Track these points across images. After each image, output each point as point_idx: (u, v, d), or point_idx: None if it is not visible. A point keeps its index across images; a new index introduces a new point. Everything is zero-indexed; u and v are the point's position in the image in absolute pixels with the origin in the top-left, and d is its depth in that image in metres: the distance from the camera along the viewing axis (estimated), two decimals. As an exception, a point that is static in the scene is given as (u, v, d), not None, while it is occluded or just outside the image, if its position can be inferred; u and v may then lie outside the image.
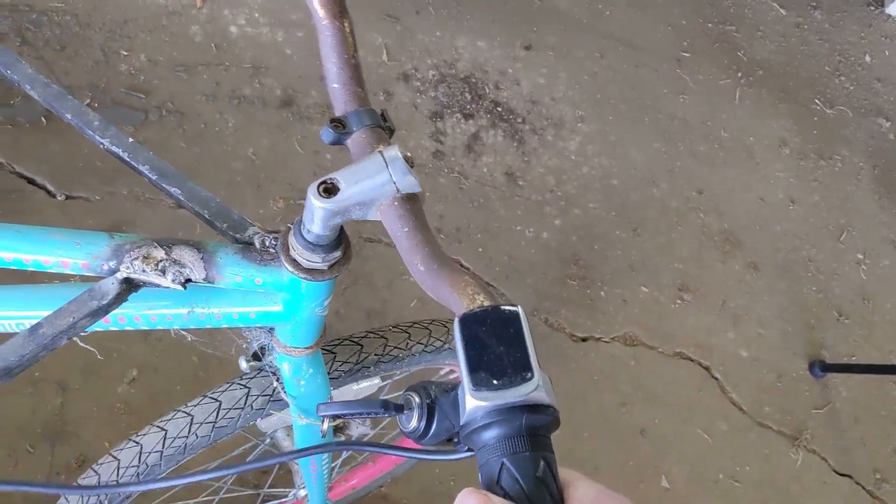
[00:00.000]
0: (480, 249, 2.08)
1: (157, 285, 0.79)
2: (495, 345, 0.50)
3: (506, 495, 0.46)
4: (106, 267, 0.79)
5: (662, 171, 2.35)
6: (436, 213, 2.09)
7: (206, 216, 0.84)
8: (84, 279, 0.79)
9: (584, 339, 2.03)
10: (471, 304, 0.54)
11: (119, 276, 0.78)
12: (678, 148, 2.41)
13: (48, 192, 1.88)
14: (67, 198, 1.88)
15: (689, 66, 2.59)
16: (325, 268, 0.73)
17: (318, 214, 0.64)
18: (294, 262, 0.72)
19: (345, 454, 1.51)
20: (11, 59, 0.92)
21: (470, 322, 0.51)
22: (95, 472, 1.01)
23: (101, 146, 0.89)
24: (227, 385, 1.03)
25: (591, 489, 0.47)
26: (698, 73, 2.58)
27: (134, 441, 1.01)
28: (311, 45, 2.26)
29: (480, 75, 2.35)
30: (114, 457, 1.00)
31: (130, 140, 0.89)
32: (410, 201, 0.63)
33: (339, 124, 0.72)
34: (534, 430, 0.48)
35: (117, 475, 1.00)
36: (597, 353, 2.02)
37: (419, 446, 0.58)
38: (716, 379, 2.07)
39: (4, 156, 1.89)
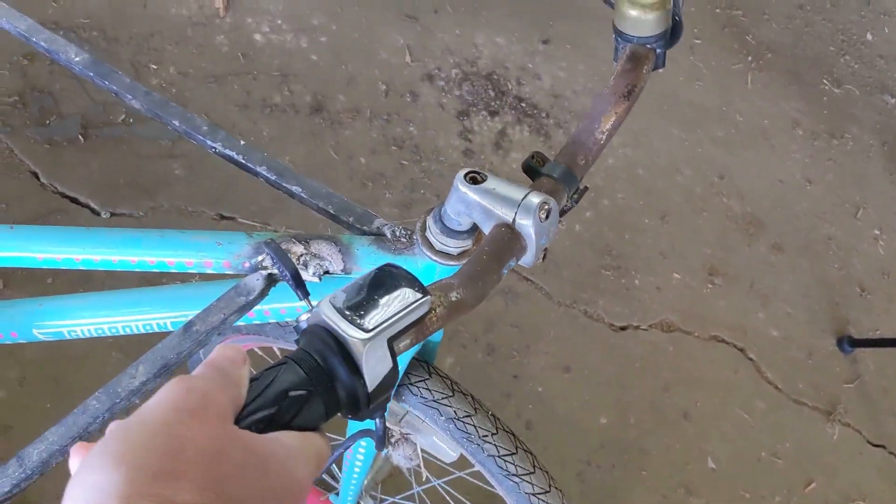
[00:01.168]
0: (517, 245, 2.11)
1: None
2: (379, 297, 0.51)
3: (253, 378, 0.46)
4: (247, 264, 0.82)
5: (684, 157, 2.40)
6: (471, 211, 2.12)
7: (331, 211, 0.86)
8: (208, 277, 0.82)
9: (622, 329, 2.09)
10: (432, 289, 0.56)
11: (264, 272, 0.82)
12: (697, 134, 2.46)
13: (92, 210, 1.89)
14: (112, 215, 1.89)
15: (702, 52, 2.64)
16: (454, 253, 0.76)
17: (452, 194, 0.68)
18: (427, 242, 0.76)
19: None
20: (106, 70, 0.93)
21: (388, 269, 0.53)
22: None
23: (213, 151, 0.91)
24: None
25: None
26: (710, 59, 2.63)
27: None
28: (335, 49, 2.27)
29: (502, 72, 2.38)
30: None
31: (243, 143, 0.91)
32: (513, 238, 0.65)
33: (540, 161, 0.74)
34: (327, 368, 0.48)
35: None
36: (636, 341, 2.08)
37: None
38: (751, 360, 2.13)
39: (46, 176, 1.90)
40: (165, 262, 0.85)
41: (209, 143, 0.90)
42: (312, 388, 0.47)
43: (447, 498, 1.41)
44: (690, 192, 2.34)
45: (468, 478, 1.19)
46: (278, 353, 1.15)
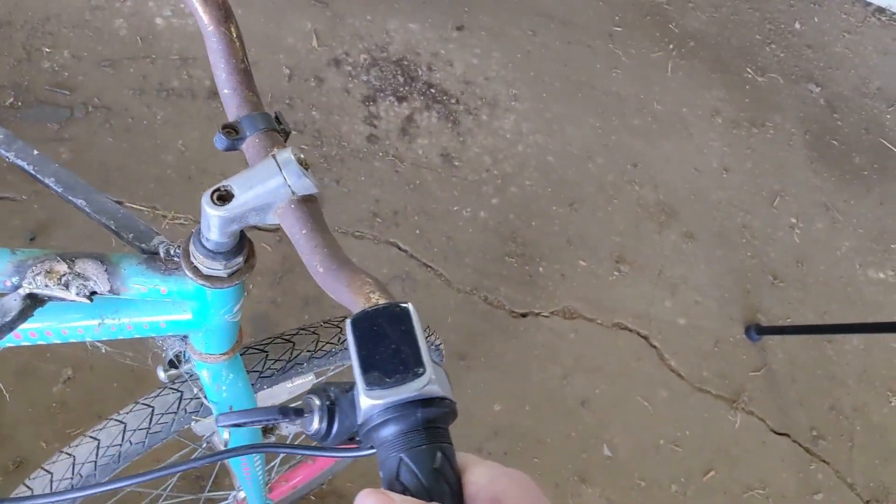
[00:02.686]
0: (418, 231, 2.09)
1: (62, 299, 0.79)
2: (387, 342, 0.51)
3: (404, 490, 0.46)
4: (9, 283, 0.78)
5: (598, 146, 2.37)
6: (372, 197, 2.09)
7: (113, 227, 0.83)
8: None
9: (523, 315, 2.06)
10: (367, 303, 0.55)
11: (22, 291, 0.78)
12: (613, 123, 2.43)
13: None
14: (-7, 199, 1.85)
15: (622, 40, 2.61)
16: (226, 275, 0.73)
17: (213, 223, 0.64)
18: (195, 270, 0.72)
19: (281, 454, 1.51)
20: None
21: (361, 321, 0.52)
22: (28, 486, 1.01)
23: (7, 160, 0.88)
24: (160, 390, 1.03)
25: (486, 470, 0.48)
26: (630, 47, 2.61)
27: (66, 453, 1.00)
28: (242, 33, 2.24)
29: (413, 58, 2.35)
30: (46, 470, 0.99)
31: (36, 153, 0.88)
32: (307, 203, 0.63)
33: (232, 130, 0.71)
34: (429, 423, 0.49)
35: (51, 488, 0.99)
36: (537, 328, 2.05)
37: (326, 446, 0.58)
38: (654, 347, 2.10)
39: (-74, 159, 1.86)
40: None
41: (3, 152, 0.87)
42: (437, 446, 0.49)
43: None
44: (602, 181, 2.32)
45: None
46: None
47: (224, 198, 0.62)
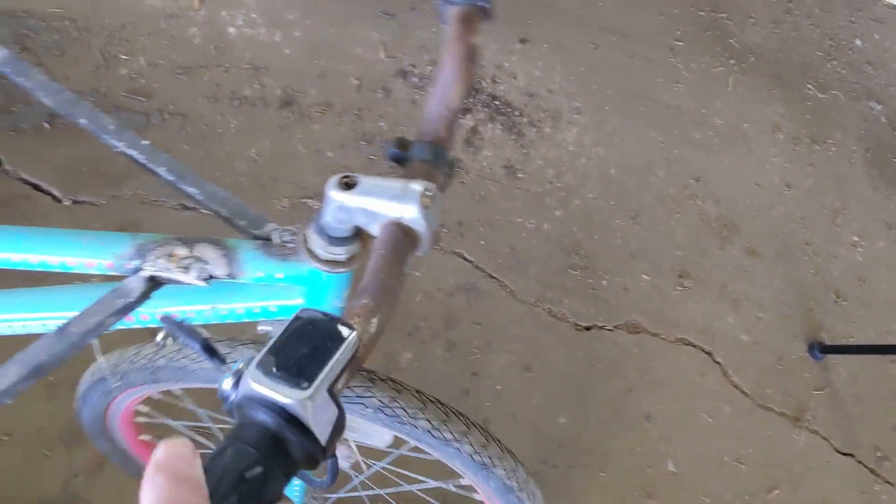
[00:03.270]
0: (483, 242, 2.10)
1: (181, 282, 0.82)
2: (305, 347, 0.50)
3: (207, 471, 0.43)
4: (130, 266, 0.81)
5: (659, 159, 2.38)
6: (438, 207, 2.11)
7: (225, 214, 0.86)
8: (108, 279, 0.81)
9: (587, 328, 2.07)
10: (351, 319, 0.54)
11: (143, 274, 0.81)
12: (674, 136, 2.44)
13: (54, 197, 1.89)
14: (74, 202, 1.90)
15: (683, 54, 2.62)
16: (345, 259, 0.75)
17: (329, 204, 0.66)
18: (312, 254, 0.74)
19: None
20: (24, 67, 0.94)
21: (303, 316, 0.51)
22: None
23: (117, 149, 0.91)
24: None
25: None
26: (691, 61, 2.61)
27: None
28: (309, 44, 2.28)
29: (477, 69, 2.37)
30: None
31: (146, 142, 0.91)
32: (406, 234, 0.64)
33: (404, 146, 0.73)
34: (274, 438, 0.47)
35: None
36: (601, 342, 2.06)
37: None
38: (718, 363, 2.10)
39: (10, 163, 1.91)
40: (47, 261, 0.84)
41: (114, 142, 0.90)
42: (266, 462, 0.45)
43: (392, 477, 1.39)
44: (664, 194, 2.32)
45: (409, 453, 1.17)
46: (179, 394, 1.15)
47: (349, 185, 0.65)
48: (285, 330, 0.50)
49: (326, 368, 0.48)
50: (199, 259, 0.81)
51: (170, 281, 0.82)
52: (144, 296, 0.80)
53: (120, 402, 1.22)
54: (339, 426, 0.49)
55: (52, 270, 0.85)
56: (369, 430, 1.10)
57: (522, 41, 2.47)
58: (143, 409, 1.28)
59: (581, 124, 2.37)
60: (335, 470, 0.70)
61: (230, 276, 0.81)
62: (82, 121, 0.92)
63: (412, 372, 1.90)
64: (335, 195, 0.64)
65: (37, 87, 0.93)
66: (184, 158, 2.00)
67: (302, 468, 0.48)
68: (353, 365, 0.51)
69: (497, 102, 2.33)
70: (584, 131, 2.36)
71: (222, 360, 0.61)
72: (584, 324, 2.07)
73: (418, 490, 1.48)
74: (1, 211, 1.85)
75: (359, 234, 0.74)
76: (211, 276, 0.81)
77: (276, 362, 0.48)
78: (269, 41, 2.25)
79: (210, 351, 0.61)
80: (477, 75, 0.77)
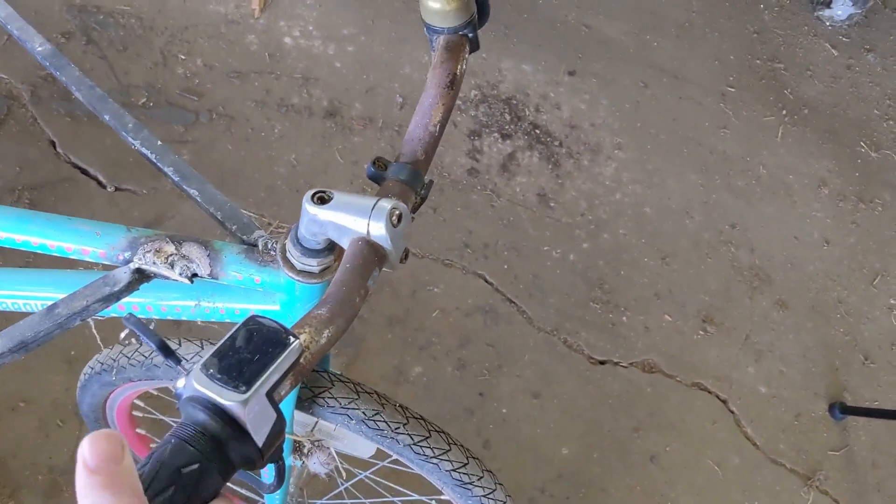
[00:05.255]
0: (506, 266, 2.12)
1: (166, 277, 0.87)
2: (249, 351, 0.52)
3: (145, 465, 0.45)
4: (121, 257, 0.87)
5: (697, 202, 2.37)
6: (465, 228, 2.14)
7: (219, 217, 0.91)
8: (105, 268, 0.87)
9: (602, 362, 2.06)
10: (302, 331, 0.56)
11: (132, 266, 0.86)
12: (715, 181, 2.42)
13: (99, 182, 1.99)
14: (117, 189, 1.99)
15: (734, 101, 2.60)
16: (317, 271, 0.78)
17: (304, 217, 0.70)
18: (289, 265, 0.78)
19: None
20: (62, 62, 1.02)
21: (251, 322, 0.53)
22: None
23: (133, 146, 0.97)
24: None
25: None
26: (742, 108, 2.60)
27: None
28: (359, 59, 2.35)
29: (522, 98, 2.41)
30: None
31: (159, 143, 0.97)
32: (374, 251, 0.66)
33: (383, 166, 0.77)
34: (214, 437, 0.49)
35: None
36: (614, 377, 2.05)
37: None
38: (732, 412, 2.07)
39: (62, 146, 2.01)
40: (47, 245, 0.90)
41: (130, 139, 0.96)
42: (203, 460, 0.48)
43: (374, 487, 1.42)
44: (698, 238, 2.31)
45: (392, 465, 1.20)
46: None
47: (323, 200, 0.68)
48: (231, 335, 0.53)
49: (266, 374, 0.51)
50: (184, 257, 0.86)
51: (156, 275, 0.87)
52: (130, 286, 0.85)
53: (118, 394, 1.27)
54: (276, 430, 0.52)
55: (50, 254, 0.91)
56: (353, 439, 1.14)
57: (571, 73, 2.50)
58: (141, 403, 1.33)
59: (621, 160, 2.38)
60: (280, 473, 0.73)
61: (211, 275, 0.86)
62: (106, 116, 0.98)
63: (420, 386, 1.93)
64: (309, 208, 0.68)
65: (71, 82, 1.00)
66: (226, 157, 2.08)
67: (240, 468, 0.51)
68: (297, 373, 0.54)
69: (538, 131, 2.36)
70: (624, 168, 2.37)
71: (177, 361, 0.65)
72: (600, 357, 2.07)
73: (400, 501, 1.50)
74: (47, 191, 1.95)
75: (332, 248, 0.78)
76: (194, 275, 0.86)
77: (219, 365, 0.50)
78: (322, 54, 2.33)
79: (165, 350, 0.64)
80: (455, 101, 0.80)
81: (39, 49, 1.02)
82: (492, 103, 2.37)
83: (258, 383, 0.50)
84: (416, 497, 1.38)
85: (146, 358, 1.12)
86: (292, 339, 0.53)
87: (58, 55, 1.02)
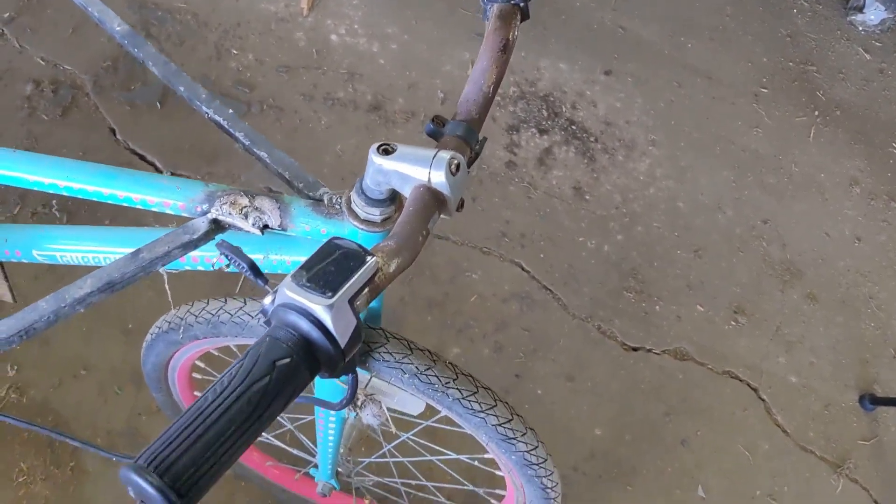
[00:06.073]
0: (542, 255, 2.19)
1: (240, 228, 0.95)
2: (332, 265, 0.60)
3: (241, 360, 0.55)
4: (199, 209, 0.96)
5: (729, 199, 2.42)
6: (503, 218, 2.22)
7: (287, 177, 0.99)
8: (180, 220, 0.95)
9: (634, 349, 2.12)
10: (374, 253, 0.64)
11: (209, 216, 0.95)
12: (747, 178, 2.48)
13: (156, 167, 2.10)
14: (172, 174, 2.09)
15: (766, 101, 2.66)
16: (379, 220, 0.86)
17: (369, 167, 0.78)
18: (353, 213, 0.86)
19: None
20: (139, 41, 1.11)
21: (333, 241, 0.62)
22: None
23: (206, 115, 1.06)
24: None
25: None
26: (774, 109, 2.65)
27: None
28: (402, 57, 2.44)
29: (559, 95, 2.49)
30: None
31: (231, 111, 1.06)
32: (434, 198, 0.73)
33: (441, 123, 0.84)
34: (302, 336, 0.57)
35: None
36: (646, 364, 2.11)
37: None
38: (762, 400, 2.11)
39: (122, 133, 2.12)
40: (132, 198, 0.99)
41: (204, 108, 1.05)
42: (294, 356, 0.57)
43: (417, 448, 1.48)
44: (730, 232, 2.36)
45: (436, 425, 1.27)
46: (235, 350, 1.27)
47: (387, 151, 0.76)
48: (318, 251, 0.62)
49: (348, 283, 0.59)
50: (257, 209, 0.95)
51: (231, 226, 0.96)
52: (208, 236, 0.94)
53: (181, 354, 1.35)
54: (356, 335, 0.60)
55: (134, 207, 1.00)
56: (403, 397, 1.21)
57: (607, 73, 2.57)
58: (201, 364, 1.42)
59: (655, 157, 2.44)
60: (353, 388, 0.81)
61: (281, 226, 0.94)
62: (181, 88, 1.07)
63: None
64: (375, 159, 0.76)
65: (147, 58, 1.09)
66: (276, 146, 2.18)
67: (324, 367, 0.59)
68: (373, 288, 0.62)
69: (574, 127, 2.43)
70: (657, 164, 2.43)
71: (265, 281, 0.74)
72: (633, 344, 2.13)
73: (442, 461, 1.56)
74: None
75: (393, 199, 0.85)
76: (266, 226, 0.94)
77: (307, 276, 0.59)
78: (367, 51, 2.42)
79: (255, 271, 0.73)
80: (507, 66, 0.88)
81: (118, 29, 1.11)
82: (530, 100, 2.45)
83: (342, 291, 0.59)
84: (459, 457, 1.44)
85: (213, 315, 1.20)
86: (369, 257, 0.62)
87: (135, 34, 1.11)
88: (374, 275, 0.62)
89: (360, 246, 0.63)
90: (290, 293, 0.58)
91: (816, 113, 2.69)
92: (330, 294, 0.58)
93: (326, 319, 0.58)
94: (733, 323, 2.22)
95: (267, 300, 0.62)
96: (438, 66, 2.45)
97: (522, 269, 2.17)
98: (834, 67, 2.82)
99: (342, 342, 0.59)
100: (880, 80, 2.83)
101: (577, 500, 1.90)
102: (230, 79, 2.27)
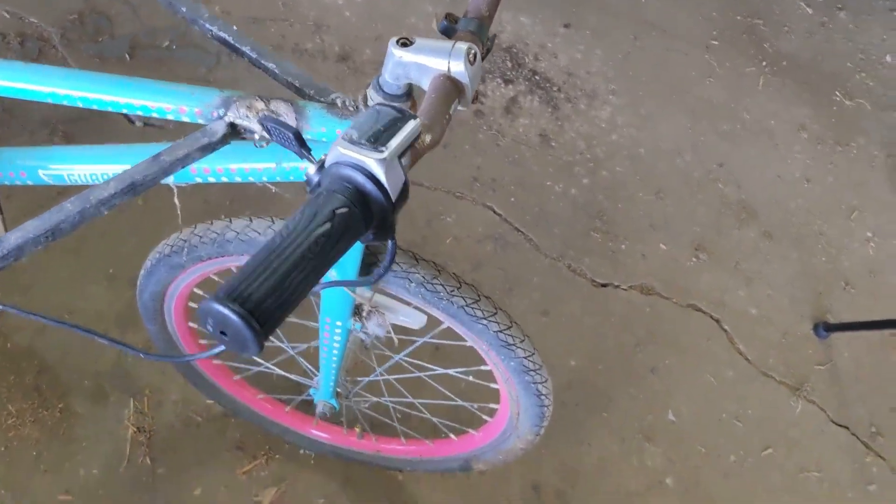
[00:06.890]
0: (513, 199, 2.26)
1: (256, 132, 0.98)
2: (382, 125, 0.65)
3: (300, 211, 0.59)
4: (215, 114, 0.98)
5: (687, 144, 2.52)
6: (474, 164, 2.28)
7: (297, 85, 1.03)
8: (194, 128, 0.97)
9: (603, 285, 2.20)
10: (422, 113, 0.69)
11: (227, 120, 0.98)
12: (702, 125, 2.58)
13: (128, 118, 2.09)
14: (145, 125, 2.10)
15: (717, 53, 2.77)
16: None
17: (388, 61, 0.82)
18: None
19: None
20: None
21: (380, 105, 0.68)
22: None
23: (210, 34, 1.08)
24: None
25: None
26: (725, 60, 2.76)
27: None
28: (368, 10, 2.47)
29: (521, 47, 2.55)
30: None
31: (235, 28, 1.08)
32: (453, 85, 0.77)
33: (454, 20, 0.89)
34: (357, 188, 0.62)
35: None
36: (615, 299, 2.19)
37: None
38: (725, 331, 2.22)
39: (93, 84, 2.11)
40: (148, 106, 1.01)
41: (208, 26, 1.07)
42: (351, 206, 0.61)
43: (410, 368, 1.51)
44: (688, 176, 2.46)
45: (433, 340, 1.31)
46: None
47: (406, 44, 0.81)
48: (363, 115, 0.66)
49: (398, 140, 0.64)
50: (273, 112, 0.98)
51: (247, 129, 0.99)
52: (224, 139, 0.97)
53: (181, 280, 1.37)
54: (404, 190, 0.65)
55: (148, 115, 1.02)
56: (405, 311, 1.26)
57: (566, 26, 2.64)
58: (199, 292, 1.43)
59: (615, 105, 2.53)
60: (392, 253, 0.85)
61: (298, 129, 0.98)
62: (183, 9, 1.09)
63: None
64: (395, 51, 0.80)
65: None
66: (247, 96, 2.19)
67: (377, 220, 0.64)
68: (414, 151, 0.67)
69: (537, 77, 2.50)
70: (618, 112, 2.52)
71: (308, 150, 0.77)
72: (601, 281, 2.21)
73: (436, 379, 1.59)
74: (79, 124, 2.05)
75: (409, 96, 0.90)
76: None
77: (359, 135, 0.64)
78: (333, 4, 2.45)
79: (300, 140, 0.77)
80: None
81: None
82: (494, 51, 2.51)
83: (392, 147, 0.64)
84: (453, 372, 1.48)
85: (218, 234, 1.22)
86: (412, 119, 0.67)
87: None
88: (416, 138, 0.67)
89: (403, 110, 0.68)
90: (344, 150, 0.63)
91: (764, 63, 2.80)
92: (382, 149, 0.63)
93: (380, 173, 0.62)
94: (695, 259, 2.32)
95: (311, 170, 0.66)
96: (403, 18, 2.49)
97: (494, 212, 2.23)
98: (779, 21, 2.94)
99: (393, 195, 0.64)
100: (822, 33, 2.97)
101: (558, 427, 1.97)
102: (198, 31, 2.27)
